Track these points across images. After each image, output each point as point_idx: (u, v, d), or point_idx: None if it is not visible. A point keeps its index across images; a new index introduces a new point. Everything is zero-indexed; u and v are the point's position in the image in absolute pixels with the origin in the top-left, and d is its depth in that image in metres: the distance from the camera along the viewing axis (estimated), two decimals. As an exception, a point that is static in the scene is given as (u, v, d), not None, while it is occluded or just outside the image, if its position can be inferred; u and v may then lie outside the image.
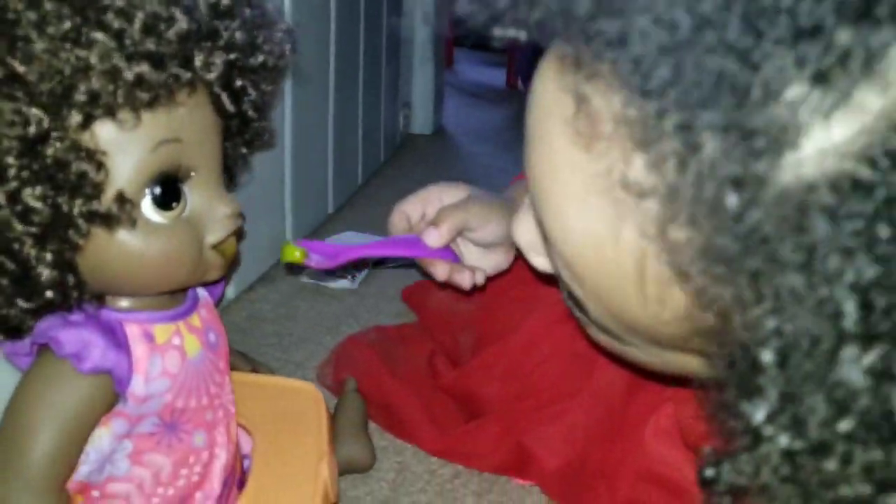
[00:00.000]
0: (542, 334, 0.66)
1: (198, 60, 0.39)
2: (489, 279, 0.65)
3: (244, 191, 0.95)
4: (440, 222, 0.59)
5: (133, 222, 0.39)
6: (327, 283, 1.03)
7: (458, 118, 2.16)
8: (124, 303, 0.44)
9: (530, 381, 0.66)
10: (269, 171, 1.03)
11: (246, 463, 0.56)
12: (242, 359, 0.66)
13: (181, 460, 0.47)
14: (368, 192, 1.45)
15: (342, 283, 1.03)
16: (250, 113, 0.46)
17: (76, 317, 0.42)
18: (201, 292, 0.51)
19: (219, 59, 0.40)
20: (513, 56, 2.77)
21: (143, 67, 0.36)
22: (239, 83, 0.44)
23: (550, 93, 0.33)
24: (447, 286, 0.63)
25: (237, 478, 0.53)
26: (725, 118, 0.23)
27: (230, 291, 0.93)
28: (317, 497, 0.49)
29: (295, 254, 0.55)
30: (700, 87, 0.23)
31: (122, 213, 0.38)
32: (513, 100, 2.59)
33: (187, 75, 0.38)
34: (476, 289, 0.63)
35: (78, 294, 0.40)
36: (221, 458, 0.49)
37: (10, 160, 0.34)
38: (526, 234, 0.43)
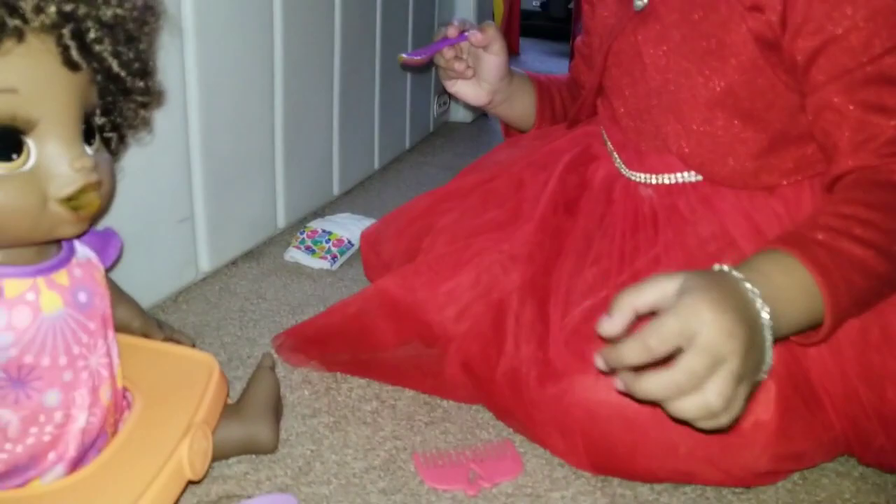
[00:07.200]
0: None
1: (27, 6, 0.37)
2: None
3: (237, 167, 0.96)
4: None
5: None
6: (309, 263, 1.02)
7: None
8: None
9: None
10: (259, 151, 1.02)
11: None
12: (157, 327, 0.65)
13: (30, 418, 0.46)
14: (386, 176, 1.45)
15: (322, 264, 1.02)
16: (115, 69, 0.44)
17: None
18: (82, 250, 0.50)
19: (51, 7, 0.38)
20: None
21: None
22: (92, 35, 0.42)
23: None
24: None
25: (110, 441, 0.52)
26: None
27: (206, 264, 0.93)
28: (165, 471, 0.47)
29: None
30: None
31: None
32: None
33: (13, 22, 0.37)
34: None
35: None
36: (79, 421, 0.48)
37: None
38: None
